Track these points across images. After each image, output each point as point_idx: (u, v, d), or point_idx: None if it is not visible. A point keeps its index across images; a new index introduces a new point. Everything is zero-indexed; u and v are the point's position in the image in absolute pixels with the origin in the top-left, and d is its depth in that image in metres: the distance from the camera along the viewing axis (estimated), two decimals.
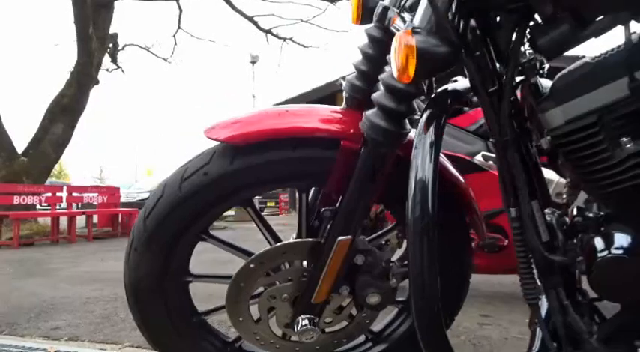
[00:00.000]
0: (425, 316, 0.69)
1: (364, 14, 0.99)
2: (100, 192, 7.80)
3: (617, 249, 0.72)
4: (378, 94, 0.81)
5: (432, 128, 0.73)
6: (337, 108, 0.97)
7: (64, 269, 3.74)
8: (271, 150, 0.90)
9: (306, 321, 0.97)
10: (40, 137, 7.58)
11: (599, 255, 0.73)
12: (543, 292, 0.80)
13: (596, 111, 0.67)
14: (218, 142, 0.92)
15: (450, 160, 1.02)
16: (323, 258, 0.91)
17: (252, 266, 0.96)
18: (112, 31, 8.85)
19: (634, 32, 0.67)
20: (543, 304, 0.81)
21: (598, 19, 0.68)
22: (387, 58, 0.81)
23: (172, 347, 1.02)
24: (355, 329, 1.08)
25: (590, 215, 0.77)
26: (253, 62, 20.87)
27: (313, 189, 1.03)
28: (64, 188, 7.33)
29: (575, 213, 0.80)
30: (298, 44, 10.74)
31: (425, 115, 0.75)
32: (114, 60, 10.00)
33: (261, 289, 1.01)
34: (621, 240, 0.73)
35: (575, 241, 0.77)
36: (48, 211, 6.73)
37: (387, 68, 0.87)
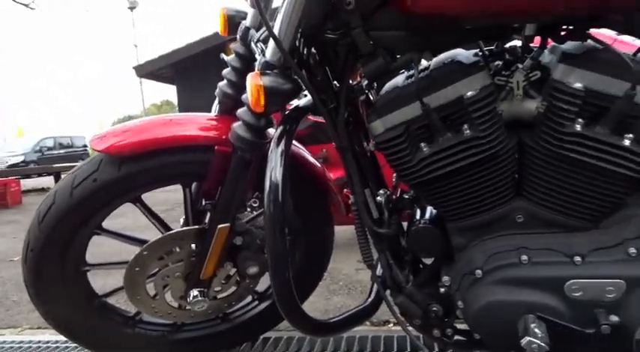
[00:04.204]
0: (281, 291, 0.92)
1: (230, 27, 1.13)
2: None
3: (422, 220, 1.00)
4: (242, 111, 0.97)
5: (283, 140, 0.92)
6: (212, 115, 1.13)
7: None
8: (156, 157, 1.04)
9: (197, 293, 1.15)
10: None
11: (412, 225, 1.00)
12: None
13: (403, 124, 0.90)
14: None
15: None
16: (207, 242, 1.09)
17: (145, 253, 1.12)
18: None
19: (425, 67, 0.90)
20: (378, 264, 1.08)
21: (403, 56, 0.90)
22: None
23: (78, 330, 1.16)
24: (242, 293, 1.30)
25: (406, 196, 1.04)
26: (132, 8, 19.18)
27: (196, 183, 1.19)
28: None
29: (398, 194, 1.06)
30: None
31: (279, 130, 0.94)
32: None
33: (156, 269, 1.17)
34: (425, 214, 1.01)
35: (397, 216, 1.03)
36: None
37: None
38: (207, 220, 1.13)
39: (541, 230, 0.90)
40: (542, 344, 0.78)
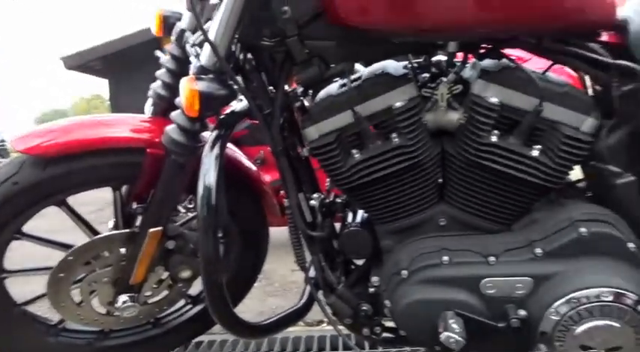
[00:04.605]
0: (213, 295, 0.93)
1: (165, 28, 1.12)
2: None
3: (353, 223, 1.04)
4: (176, 114, 0.96)
5: (218, 144, 0.92)
6: (144, 117, 1.11)
7: None
8: (84, 159, 1.00)
9: (126, 298, 1.12)
10: None
11: (344, 227, 1.04)
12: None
13: (335, 131, 0.93)
14: None
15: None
16: (138, 246, 1.07)
17: (71, 258, 1.07)
18: None
19: (358, 77, 0.94)
20: (311, 266, 1.11)
21: (336, 65, 0.94)
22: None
23: None
24: (175, 297, 1.27)
25: (339, 200, 1.08)
26: None
27: (126, 186, 1.16)
28: None
29: (331, 198, 1.10)
30: None
31: (213, 134, 0.94)
32: None
33: (82, 275, 1.12)
34: (356, 217, 1.05)
35: (330, 219, 1.07)
36: None
37: None
38: (138, 224, 1.10)
39: (461, 232, 0.96)
40: (459, 338, 0.85)
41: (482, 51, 0.92)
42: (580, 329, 0.85)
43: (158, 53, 1.21)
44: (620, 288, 0.83)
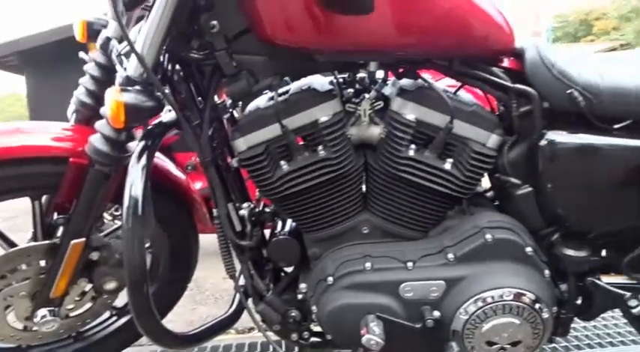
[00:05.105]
0: (138, 306, 0.92)
1: (90, 34, 1.09)
2: None
3: (282, 231, 1.07)
4: (101, 124, 0.95)
5: (144, 155, 0.92)
6: (67, 125, 1.07)
7: None
8: (1, 168, 0.95)
9: (45, 312, 1.08)
10: None
11: (273, 236, 1.07)
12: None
13: (264, 143, 0.96)
14: None
15: None
16: (59, 259, 1.03)
17: None
18: None
19: (285, 91, 0.98)
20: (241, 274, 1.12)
21: (264, 79, 0.97)
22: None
23: None
24: (99, 309, 1.23)
25: (268, 209, 1.11)
26: None
27: (46, 195, 1.12)
28: None
29: (260, 207, 1.12)
30: None
31: (140, 145, 0.93)
32: None
33: None
34: (285, 226, 1.09)
35: (259, 228, 1.09)
36: None
37: None
38: (59, 235, 1.07)
39: (383, 239, 1.03)
40: (379, 340, 0.90)
41: (400, 70, 0.99)
42: (486, 326, 0.94)
43: (82, 55, 1.17)
44: (519, 288, 0.93)
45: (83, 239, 1.03)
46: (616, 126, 0.92)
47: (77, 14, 1.12)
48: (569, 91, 0.91)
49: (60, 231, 1.06)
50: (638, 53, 1.10)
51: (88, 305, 1.20)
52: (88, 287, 1.15)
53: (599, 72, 0.92)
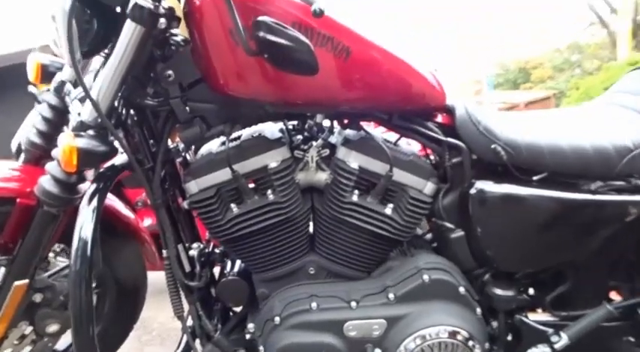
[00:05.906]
0: (82, 347, 0.91)
1: (44, 76, 1.11)
2: None
3: (231, 272, 1.10)
4: (52, 165, 0.96)
5: (95, 198, 0.93)
6: (16, 165, 1.07)
7: None
8: None
9: None
10: None
11: (222, 276, 1.09)
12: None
13: (215, 186, 1.00)
14: None
15: None
16: None
17: None
18: None
19: (237, 137, 1.03)
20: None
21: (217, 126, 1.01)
22: (62, 129, 0.97)
23: None
24: None
25: (218, 250, 1.13)
26: None
27: None
28: None
29: (210, 248, 1.15)
30: None
31: (92, 188, 0.95)
32: None
33: None
34: (234, 267, 1.12)
35: (208, 269, 1.11)
36: None
37: None
38: (0, 277, 1.04)
39: (329, 279, 1.07)
40: None
41: (345, 122, 1.06)
42: None
43: (31, 89, 1.17)
44: (454, 326, 0.99)
45: (27, 280, 1.02)
46: (535, 177, 1.03)
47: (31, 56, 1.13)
48: (493, 146, 1.01)
49: (2, 273, 1.04)
50: (553, 112, 1.24)
51: (27, 349, 1.16)
52: (29, 330, 1.13)
53: (519, 129, 1.04)
